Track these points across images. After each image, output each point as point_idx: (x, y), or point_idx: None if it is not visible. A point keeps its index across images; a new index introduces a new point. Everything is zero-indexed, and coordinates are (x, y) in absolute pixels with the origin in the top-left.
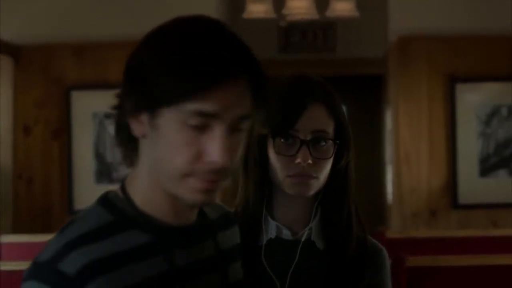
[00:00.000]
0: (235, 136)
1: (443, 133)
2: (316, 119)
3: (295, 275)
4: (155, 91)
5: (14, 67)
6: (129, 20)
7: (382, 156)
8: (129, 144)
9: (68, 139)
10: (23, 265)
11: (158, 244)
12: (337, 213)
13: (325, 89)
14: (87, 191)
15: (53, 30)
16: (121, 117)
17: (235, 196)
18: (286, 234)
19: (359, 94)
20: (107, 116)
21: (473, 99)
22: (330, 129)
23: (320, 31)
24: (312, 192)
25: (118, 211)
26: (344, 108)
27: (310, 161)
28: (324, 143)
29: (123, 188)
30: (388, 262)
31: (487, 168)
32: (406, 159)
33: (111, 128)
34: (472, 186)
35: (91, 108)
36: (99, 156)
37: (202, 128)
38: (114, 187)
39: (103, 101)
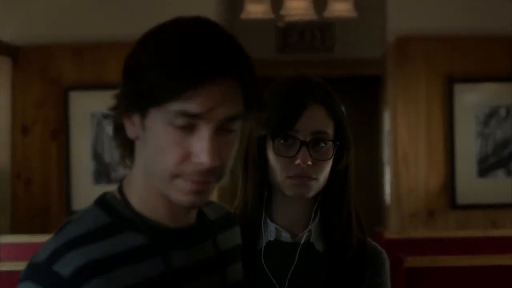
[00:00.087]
0: (224, 136)
1: (441, 134)
2: (316, 120)
3: (294, 277)
4: (144, 91)
5: (12, 68)
6: (127, 21)
7: (380, 156)
8: (126, 145)
9: (67, 140)
10: (22, 266)
11: (155, 246)
12: (337, 215)
13: (325, 90)
14: (85, 192)
15: (52, 31)
16: (118, 118)
17: (233, 197)
18: (285, 236)
19: (357, 95)
20: (105, 116)
21: (471, 100)
22: (330, 130)
23: (318, 31)
24: (311, 193)
25: (115, 212)
26: (343, 109)
27: (309, 162)
28: (323, 144)
29: (120, 189)
30: (388, 264)
31: (485, 168)
32: (404, 160)
33: (109, 129)
34: (471, 186)
35: (89, 109)
36: (97, 157)
37: (189, 129)
38: (112, 187)
39: (101, 101)
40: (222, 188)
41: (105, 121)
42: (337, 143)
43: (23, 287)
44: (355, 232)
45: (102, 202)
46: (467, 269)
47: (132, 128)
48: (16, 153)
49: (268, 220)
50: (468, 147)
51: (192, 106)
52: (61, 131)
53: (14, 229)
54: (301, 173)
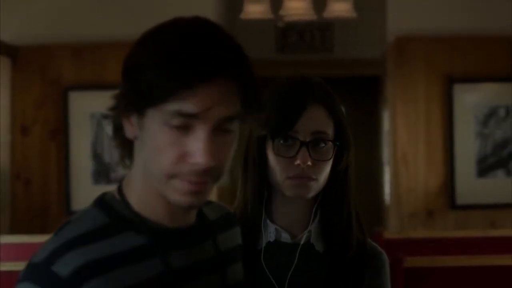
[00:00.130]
0: (222, 137)
1: (440, 134)
2: (316, 120)
3: (294, 278)
4: (141, 91)
5: (12, 68)
6: (127, 21)
7: (380, 156)
8: (125, 145)
9: (66, 140)
10: (22, 266)
11: (154, 246)
12: (337, 215)
13: (325, 90)
14: (85, 192)
15: (51, 31)
16: (117, 118)
17: (233, 197)
18: (285, 237)
19: (357, 95)
20: (105, 116)
21: (470, 100)
22: (330, 131)
23: (317, 31)
24: (311, 194)
25: (114, 213)
26: (343, 109)
27: (309, 163)
28: (323, 145)
29: (120, 190)
30: (388, 265)
31: (484, 168)
32: (404, 160)
33: (108, 129)
34: (470, 186)
35: (89, 109)
36: (97, 157)
37: (185, 129)
38: (112, 187)
39: (101, 101)
40: (221, 188)
41: (104, 121)
42: (337, 143)
43: None
44: (355, 232)
45: (101, 202)
46: (466, 269)
47: (130, 128)
48: (16, 153)
49: (268, 221)
50: (468, 147)
51: (188, 106)
52: (60, 131)
53: (14, 229)
54: (301, 173)
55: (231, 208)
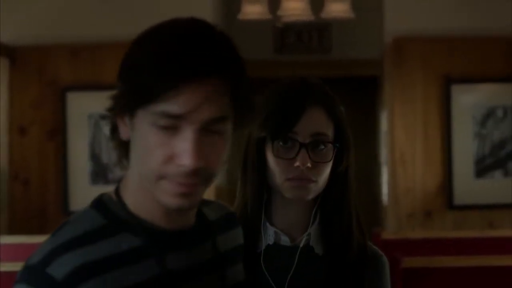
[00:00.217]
0: (211, 138)
1: (438, 134)
2: (316, 122)
3: (293, 281)
4: (131, 92)
5: (10, 68)
6: (124, 22)
7: (378, 157)
8: (122, 146)
9: (64, 140)
10: (20, 266)
11: (150, 248)
12: (337, 217)
13: (325, 92)
14: (83, 192)
15: (49, 31)
16: (114, 119)
17: (231, 198)
18: (285, 240)
19: (355, 96)
20: (103, 117)
21: (468, 100)
22: (330, 132)
23: (315, 32)
24: (311, 196)
25: (111, 214)
26: (343, 110)
27: (309, 165)
28: (323, 146)
29: (117, 191)
30: (388, 268)
31: (482, 169)
32: (402, 160)
33: (106, 129)
34: (468, 187)
35: (86, 109)
36: (94, 157)
37: (173, 130)
38: (110, 188)
39: (98, 102)
40: (219, 189)
41: (102, 121)
42: (337, 145)
43: None
44: (355, 235)
45: (99, 203)
46: (464, 270)
47: (124, 129)
48: (14, 153)
49: (267, 224)
50: (465, 147)
51: (173, 107)
52: (58, 132)
53: (12, 230)
54: (300, 175)
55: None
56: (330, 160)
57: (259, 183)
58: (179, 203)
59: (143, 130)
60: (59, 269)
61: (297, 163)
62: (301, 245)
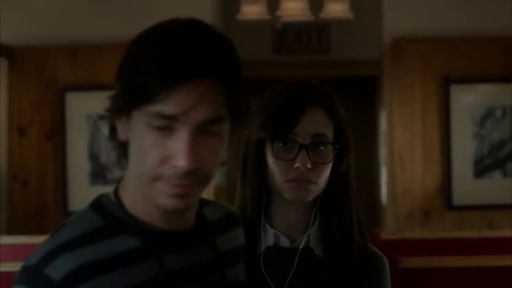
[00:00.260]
0: (206, 138)
1: (437, 135)
2: (316, 123)
3: (293, 283)
4: (127, 93)
5: (9, 69)
6: (123, 22)
7: (377, 157)
8: (121, 147)
9: (63, 140)
10: (19, 267)
11: (148, 249)
12: (337, 219)
13: (325, 93)
14: (82, 192)
15: (48, 32)
16: (112, 119)
17: (230, 199)
18: (284, 241)
19: (354, 96)
20: (102, 117)
21: (467, 101)
22: (330, 133)
23: (314, 32)
24: (311, 197)
25: (109, 215)
26: (343, 111)
27: (309, 166)
28: (323, 148)
29: (116, 191)
30: (388, 270)
31: (481, 169)
32: (400, 161)
33: (105, 130)
34: (467, 187)
35: (85, 110)
36: (93, 157)
37: (167, 130)
38: (109, 188)
39: (97, 102)
40: (218, 189)
41: (101, 122)
42: (337, 146)
43: None
44: (356, 237)
45: (97, 204)
46: (463, 270)
47: (122, 130)
48: (13, 154)
49: (267, 225)
50: (464, 148)
51: (167, 107)
52: (57, 132)
53: (11, 230)
54: (300, 176)
55: None
56: (330, 161)
57: (258, 184)
58: (174, 204)
59: (139, 131)
60: (56, 270)
61: (297, 164)
62: (301, 247)
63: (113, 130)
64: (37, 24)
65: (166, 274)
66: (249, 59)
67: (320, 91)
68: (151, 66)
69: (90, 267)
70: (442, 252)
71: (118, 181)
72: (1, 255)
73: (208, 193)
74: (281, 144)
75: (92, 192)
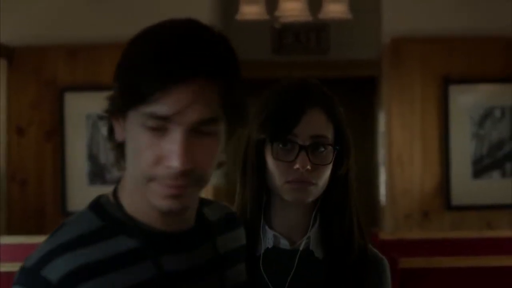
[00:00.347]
0: (201, 139)
1: (436, 135)
2: (315, 124)
3: (293, 284)
4: (122, 93)
5: (8, 69)
6: (122, 22)
7: (375, 157)
8: (119, 147)
9: (62, 141)
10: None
11: (147, 250)
12: (337, 221)
13: (325, 94)
14: (81, 193)
15: (47, 32)
16: (110, 120)
17: (229, 199)
18: (284, 243)
19: (352, 96)
20: (101, 117)
21: (466, 101)
22: (330, 134)
23: (313, 33)
24: (310, 198)
25: (108, 216)
26: (343, 112)
27: (309, 167)
28: (323, 149)
29: (115, 192)
30: (389, 271)
31: (480, 169)
32: (399, 161)
33: (104, 130)
34: (465, 187)
35: (84, 110)
36: (92, 158)
37: (162, 131)
38: (108, 188)
39: (96, 102)
40: (217, 189)
41: (100, 122)
42: (337, 147)
43: None
44: (356, 238)
45: (96, 205)
46: (462, 270)
47: (119, 131)
48: (12, 154)
49: (266, 227)
50: (463, 148)
51: (161, 108)
52: (56, 132)
53: (10, 230)
54: (300, 177)
55: None
56: (330, 163)
57: (258, 186)
58: (168, 205)
59: (134, 131)
60: (54, 271)
61: (296, 166)
62: (300, 249)
63: (111, 131)
64: (36, 24)
65: (164, 274)
66: (248, 59)
67: (320, 92)
68: (147, 66)
69: (88, 268)
70: (441, 252)
71: (117, 181)
72: (0, 255)
73: (207, 193)
74: (281, 145)
75: (91, 192)
